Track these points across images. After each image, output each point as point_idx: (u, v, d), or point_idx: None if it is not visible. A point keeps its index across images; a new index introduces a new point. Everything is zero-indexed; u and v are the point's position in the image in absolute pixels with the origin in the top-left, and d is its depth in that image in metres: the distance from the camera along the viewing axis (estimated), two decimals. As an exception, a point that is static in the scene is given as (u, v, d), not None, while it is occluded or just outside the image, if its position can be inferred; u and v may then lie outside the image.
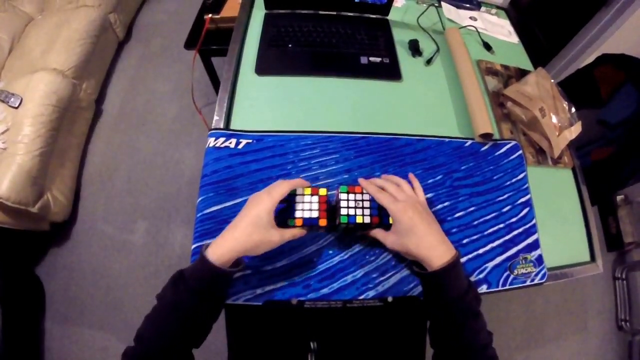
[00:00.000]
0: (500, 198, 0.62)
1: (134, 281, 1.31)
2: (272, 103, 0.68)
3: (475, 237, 0.58)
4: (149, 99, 1.73)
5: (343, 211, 0.50)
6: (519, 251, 0.58)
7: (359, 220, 0.50)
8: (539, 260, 0.58)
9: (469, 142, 0.67)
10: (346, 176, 0.60)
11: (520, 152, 0.68)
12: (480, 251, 0.57)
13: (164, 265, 1.33)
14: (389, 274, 0.53)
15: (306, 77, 0.72)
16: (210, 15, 1.15)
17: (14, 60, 1.46)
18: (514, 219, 0.60)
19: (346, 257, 0.54)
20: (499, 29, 0.92)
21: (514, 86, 0.74)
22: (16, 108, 1.23)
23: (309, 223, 0.49)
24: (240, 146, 0.60)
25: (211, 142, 0.60)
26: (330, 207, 0.51)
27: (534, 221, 0.61)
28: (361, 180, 0.52)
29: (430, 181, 0.61)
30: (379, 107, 0.71)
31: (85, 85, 1.51)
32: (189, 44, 1.23)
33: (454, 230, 0.58)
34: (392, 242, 0.48)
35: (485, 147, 0.67)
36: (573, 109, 0.71)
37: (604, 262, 0.64)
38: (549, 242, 0.61)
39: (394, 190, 0.50)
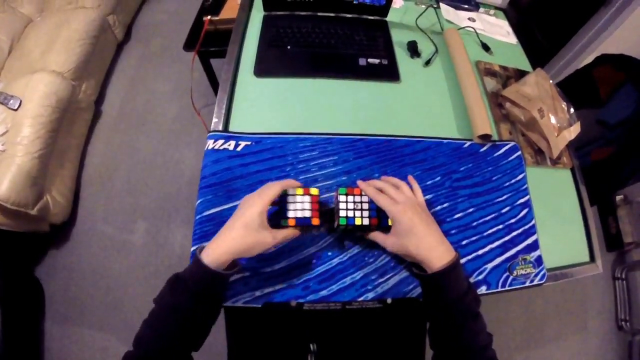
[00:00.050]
0: (500, 199, 0.62)
1: (133, 281, 1.31)
2: (271, 104, 0.68)
3: (474, 238, 0.58)
4: (148, 99, 1.73)
5: (342, 213, 0.50)
6: (519, 252, 0.58)
7: (357, 222, 0.50)
8: (539, 261, 0.58)
9: (468, 143, 0.67)
10: (345, 178, 0.60)
11: (519, 152, 0.68)
12: (480, 252, 0.57)
13: (164, 266, 1.33)
14: (388, 276, 0.53)
15: (305, 78, 0.72)
16: (209, 17, 1.15)
17: (13, 61, 1.46)
18: (513, 220, 0.61)
19: (345, 258, 0.54)
20: (498, 29, 0.92)
21: (512, 87, 0.74)
22: (16, 110, 1.23)
23: (302, 223, 0.49)
24: (239, 148, 0.60)
25: (210, 144, 0.60)
26: (323, 206, 0.52)
27: (533, 222, 0.61)
28: (360, 182, 0.52)
29: (429, 182, 0.61)
30: (378, 108, 0.71)
31: (84, 86, 1.51)
32: (188, 46, 1.23)
33: (453, 231, 0.58)
34: (392, 244, 0.48)
35: (484, 148, 0.67)
36: (572, 110, 0.71)
37: (603, 262, 0.64)
38: (549, 242, 0.61)
39: (393, 192, 0.50)
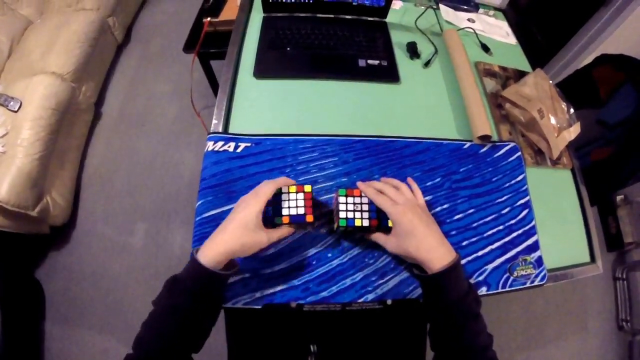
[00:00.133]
0: (500, 200, 0.62)
1: (133, 282, 1.31)
2: (270, 106, 0.68)
3: (474, 239, 0.58)
4: (148, 100, 1.73)
5: (342, 214, 0.50)
6: (519, 253, 0.58)
7: (357, 223, 0.50)
8: (539, 261, 0.58)
9: (468, 144, 0.67)
10: (345, 179, 0.60)
11: (519, 153, 0.68)
12: (480, 253, 0.57)
13: (164, 267, 1.33)
14: (388, 277, 0.53)
15: (305, 80, 0.72)
16: (209, 19, 1.16)
17: (13, 63, 1.47)
18: (513, 221, 0.60)
19: (345, 260, 0.53)
20: (497, 30, 0.92)
21: (512, 87, 0.74)
22: (16, 112, 1.23)
23: (296, 220, 0.49)
24: (239, 150, 0.60)
25: (210, 145, 0.60)
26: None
27: (533, 223, 0.61)
28: (359, 184, 0.52)
29: (429, 183, 0.61)
30: (378, 109, 0.71)
31: (84, 88, 1.52)
32: (188, 47, 1.23)
33: (453, 232, 0.58)
34: (392, 245, 0.48)
35: (484, 148, 0.67)
36: (572, 110, 0.71)
37: (604, 262, 0.64)
38: (549, 243, 0.61)
39: (393, 193, 0.50)
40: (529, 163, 0.69)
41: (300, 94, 0.70)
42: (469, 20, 0.92)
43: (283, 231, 0.48)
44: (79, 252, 1.36)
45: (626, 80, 1.29)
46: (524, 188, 0.64)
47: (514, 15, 1.00)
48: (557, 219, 0.66)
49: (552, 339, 1.33)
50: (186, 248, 1.35)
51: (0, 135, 1.19)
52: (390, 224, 0.49)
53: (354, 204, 0.51)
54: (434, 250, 0.44)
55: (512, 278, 0.56)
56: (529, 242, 0.59)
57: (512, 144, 0.69)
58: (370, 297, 0.51)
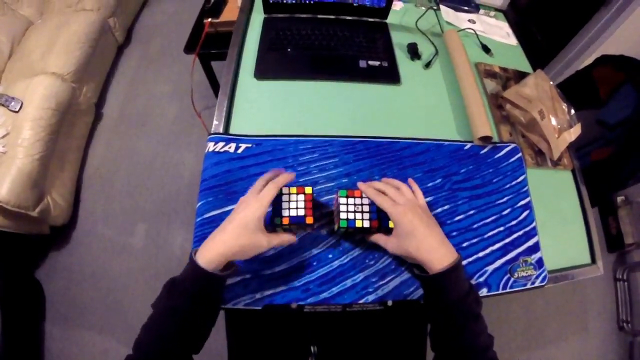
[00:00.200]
0: (500, 201, 0.62)
1: (134, 283, 1.31)
2: (271, 107, 0.68)
3: (475, 240, 0.58)
4: (148, 100, 1.73)
5: (342, 215, 0.50)
6: (519, 254, 0.58)
7: (358, 224, 0.50)
8: (539, 262, 0.58)
9: (468, 144, 0.67)
10: (345, 180, 0.60)
11: (520, 154, 0.68)
12: (480, 254, 0.57)
13: (164, 267, 1.33)
14: (389, 278, 0.53)
15: (305, 80, 0.72)
16: (209, 20, 1.16)
17: (14, 63, 1.47)
18: (513, 222, 0.60)
19: (346, 261, 0.53)
20: (498, 31, 0.92)
21: (512, 88, 0.74)
22: (17, 112, 1.23)
23: (296, 221, 0.49)
24: (239, 150, 0.60)
25: (210, 146, 0.60)
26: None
27: (534, 224, 0.61)
28: (360, 184, 0.52)
29: (429, 184, 0.61)
30: (378, 110, 0.71)
31: (85, 89, 1.52)
32: (188, 48, 1.23)
33: (454, 233, 0.58)
34: (393, 245, 0.48)
35: (485, 149, 0.67)
36: (572, 111, 0.71)
37: (604, 263, 0.64)
38: (549, 244, 0.61)
39: (394, 193, 0.50)
40: (530, 164, 0.69)
41: (300, 94, 0.70)
42: (469, 21, 0.92)
43: (284, 239, 0.48)
44: (79, 252, 1.36)
45: (626, 81, 1.29)
46: (524, 189, 0.64)
47: (515, 16, 1.00)
48: (558, 220, 0.65)
49: (552, 339, 1.33)
50: (186, 249, 1.35)
51: (0, 135, 1.19)
52: (391, 225, 0.49)
53: (355, 205, 0.51)
54: (435, 251, 0.44)
55: (512, 279, 0.56)
56: (530, 243, 0.59)
57: (512, 145, 0.69)
58: (370, 298, 0.51)
